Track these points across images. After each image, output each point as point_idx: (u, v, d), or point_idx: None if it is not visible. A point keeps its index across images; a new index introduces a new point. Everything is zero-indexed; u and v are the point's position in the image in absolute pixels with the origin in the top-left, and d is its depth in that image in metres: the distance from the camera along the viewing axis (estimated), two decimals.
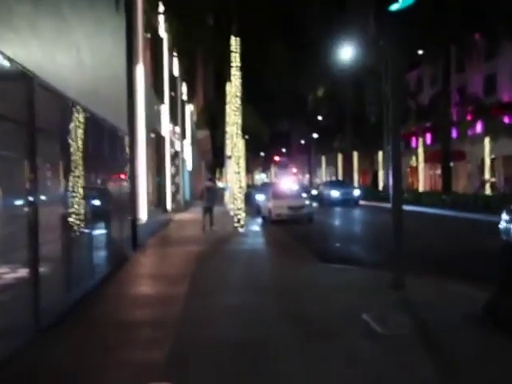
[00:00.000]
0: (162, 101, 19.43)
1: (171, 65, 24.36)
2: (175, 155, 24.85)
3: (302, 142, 67.00)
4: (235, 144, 16.74)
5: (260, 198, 23.54)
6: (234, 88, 16.74)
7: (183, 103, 29.56)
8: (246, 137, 48.91)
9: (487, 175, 34.07)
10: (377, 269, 8.70)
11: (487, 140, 33.56)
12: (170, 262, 10.32)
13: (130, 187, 11.22)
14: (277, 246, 12.42)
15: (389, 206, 7.80)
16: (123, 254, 9.83)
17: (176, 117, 25.24)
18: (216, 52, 25.41)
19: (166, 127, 19.82)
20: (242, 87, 18.43)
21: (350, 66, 31.42)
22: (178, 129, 25.35)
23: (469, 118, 38.26)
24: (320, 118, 47.34)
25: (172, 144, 23.09)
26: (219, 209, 20.06)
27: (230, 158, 23.76)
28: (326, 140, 58.37)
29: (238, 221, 16.29)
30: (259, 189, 27.36)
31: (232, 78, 16.68)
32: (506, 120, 33.26)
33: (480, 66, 35.38)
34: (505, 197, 20.10)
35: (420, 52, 31.00)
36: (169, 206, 19.99)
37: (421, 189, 37.99)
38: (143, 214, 13.52)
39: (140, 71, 13.83)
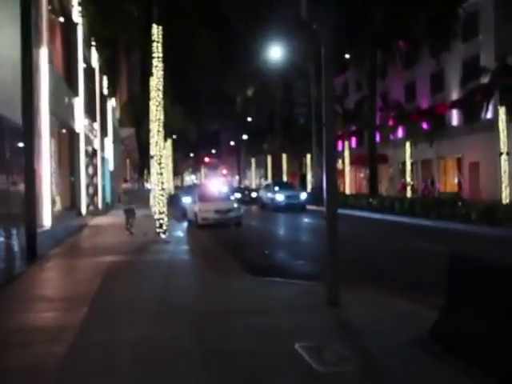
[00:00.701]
0: (75, 93, 17.45)
1: (88, 55, 22.26)
2: (93, 153, 22.76)
3: (232, 143, 66.12)
4: (157, 142, 15.25)
5: (186, 200, 22.12)
6: (155, 81, 15.25)
7: (104, 98, 27.36)
8: (174, 136, 47.23)
9: (408, 178, 35.08)
10: (311, 282, 7.76)
11: (408, 144, 34.56)
12: (73, 277, 8.73)
13: (26, 188, 9.47)
14: (201, 255, 11.15)
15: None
16: (10, 269, 8.10)
17: (94, 112, 23.15)
18: (140, 42, 23.74)
19: (81, 122, 17.85)
20: (166, 82, 17.00)
21: (279, 65, 30.83)
22: (96, 125, 23.25)
23: (391, 123, 39.42)
24: (249, 119, 46.61)
25: (89, 141, 21.03)
26: (143, 212, 18.46)
27: (153, 157, 22.10)
28: (255, 141, 57.90)
29: (161, 226, 14.83)
30: (186, 191, 25.84)
31: (154, 70, 15.18)
32: (425, 126, 34.45)
33: (401, 73, 36.41)
34: (436, 200, 20.28)
35: (347, 57, 31.18)
36: (84, 209, 18.03)
37: (347, 191, 38.37)
38: (46, 220, 11.69)
39: (44, 56, 11.97)
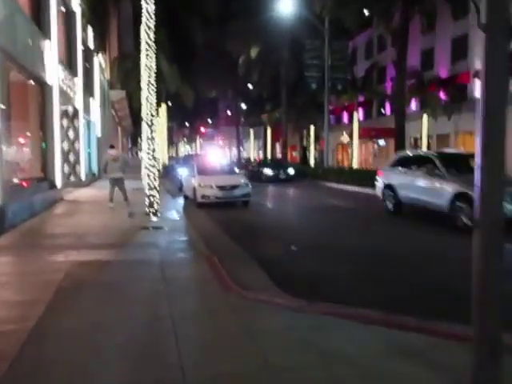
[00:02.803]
0: (46, 36, 13.67)
1: None
2: (74, 114, 19.03)
3: (229, 112, 62.05)
4: (148, 99, 11.65)
5: (183, 172, 18.68)
6: (144, 29, 11.55)
7: (89, 52, 23.42)
8: (169, 103, 43.14)
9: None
10: (391, 313, 4.48)
11: (425, 117, 31.10)
12: (3, 294, 5.32)
13: None
14: (205, 252, 7.78)
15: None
16: None
17: (75, 64, 19.32)
18: None
19: (54, 73, 14.13)
20: (161, 36, 13.39)
21: (288, 21, 26.82)
22: (78, 81, 19.46)
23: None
24: (250, 86, 42.58)
25: (68, 99, 17.33)
26: (132, 185, 15.02)
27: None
28: (255, 111, 53.92)
29: (151, 204, 11.45)
30: (182, 161, 22.30)
31: (143, 4, 11.46)
32: (443, 97, 30.94)
33: (417, 38, 32.58)
34: None
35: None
36: (59, 180, 14.51)
37: (355, 166, 35.03)
38: None
39: None
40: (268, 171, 27.39)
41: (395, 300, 5.60)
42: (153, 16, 11.52)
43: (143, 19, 11.57)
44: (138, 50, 22.02)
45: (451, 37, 30.71)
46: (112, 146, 13.96)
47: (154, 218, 11.11)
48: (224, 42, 32.49)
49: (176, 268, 6.54)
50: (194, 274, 6.26)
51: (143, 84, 14.51)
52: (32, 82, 13.10)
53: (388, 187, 13.17)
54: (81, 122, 19.55)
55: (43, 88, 13.65)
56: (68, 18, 18.99)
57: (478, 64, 28.99)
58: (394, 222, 12.10)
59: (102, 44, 23.72)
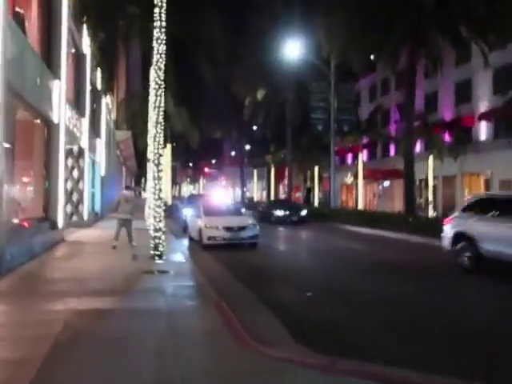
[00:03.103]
0: (55, 75, 13.60)
1: (79, 37, 18.55)
2: (80, 154, 18.85)
3: (233, 153, 62.39)
4: (155, 137, 11.35)
5: (187, 213, 18.23)
6: (155, 69, 11.43)
7: (96, 93, 23.56)
8: (173, 143, 43.31)
9: (430, 196, 31.41)
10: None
11: (431, 158, 30.94)
12: None
13: None
14: (214, 299, 7.21)
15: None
16: None
17: (83, 105, 19.30)
18: (141, 26, 20.11)
19: (62, 112, 13.97)
20: (168, 78, 13.36)
21: (294, 65, 27.14)
22: (85, 121, 19.38)
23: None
24: (255, 127, 42.91)
25: (74, 138, 17.16)
26: (136, 224, 14.51)
27: (150, 161, 18.24)
28: (259, 152, 54.17)
29: (156, 247, 10.93)
30: (186, 202, 21.89)
31: (155, 44, 11.38)
32: (447, 139, 30.95)
33: (421, 82, 32.94)
34: None
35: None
36: (61, 220, 14.05)
37: (360, 207, 34.61)
38: None
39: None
40: (279, 212, 25.60)
41: None
42: (163, 56, 11.44)
43: (153, 59, 11.46)
44: (146, 91, 22.19)
45: (455, 81, 31.01)
46: (128, 187, 14.04)
47: (159, 261, 10.58)
48: (230, 84, 32.87)
49: (184, 318, 5.96)
50: (204, 325, 5.68)
51: (151, 123, 14.36)
52: (39, 120, 12.91)
53: (461, 237, 10.48)
54: (86, 162, 19.33)
55: (49, 127, 13.44)
56: (78, 59, 19.16)
57: (482, 107, 29.15)
58: (479, 285, 9.35)
59: (109, 85, 23.85)
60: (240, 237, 13.59)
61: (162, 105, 11.42)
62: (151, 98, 11.97)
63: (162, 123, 11.46)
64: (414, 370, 4.39)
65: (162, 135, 11.41)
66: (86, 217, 19.18)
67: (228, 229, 13.55)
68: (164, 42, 11.40)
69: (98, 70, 23.10)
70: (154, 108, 11.39)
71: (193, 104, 29.80)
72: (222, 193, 29.78)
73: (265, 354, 4.61)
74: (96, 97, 24.08)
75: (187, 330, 5.43)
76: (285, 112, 33.11)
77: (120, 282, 8.07)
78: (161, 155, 11.38)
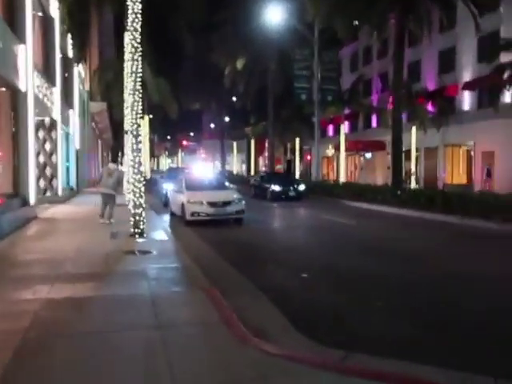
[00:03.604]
0: (20, 39, 12.39)
1: (46, 0, 17.10)
2: (52, 126, 17.66)
3: (212, 125, 61.02)
4: (134, 105, 10.40)
5: (168, 187, 17.43)
6: (130, 30, 10.37)
7: (68, 61, 22.11)
8: (151, 116, 41.80)
9: (412, 167, 31.17)
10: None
11: (414, 129, 30.56)
12: None
13: None
14: (203, 283, 6.57)
15: None
16: None
17: (53, 72, 18.01)
18: None
19: (29, 79, 12.82)
20: (145, 45, 12.30)
21: (278, 31, 25.99)
22: (56, 91, 18.12)
23: (391, 105, 35.37)
24: (235, 98, 41.71)
25: (45, 109, 15.98)
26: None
27: (127, 133, 17.19)
28: (238, 124, 53.07)
29: (136, 225, 10.19)
30: (166, 175, 20.99)
31: (129, 2, 10.32)
32: (430, 109, 30.53)
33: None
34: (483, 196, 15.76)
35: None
36: (33, 196, 13.10)
37: (342, 179, 34.23)
38: None
39: None
40: (276, 187, 22.69)
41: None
42: (139, 16, 10.40)
43: (129, 20, 10.40)
44: (121, 60, 20.88)
45: (438, 49, 30.38)
46: (113, 161, 13.44)
47: (140, 240, 9.86)
48: (210, 53, 31.50)
49: (172, 307, 5.31)
50: (195, 316, 5.04)
51: (127, 92, 13.37)
52: (3, 88, 11.79)
53: None
54: (59, 134, 18.16)
55: (16, 96, 12.33)
56: (45, 23, 17.75)
57: (466, 76, 28.69)
58: None
59: (81, 53, 22.38)
60: (225, 212, 12.93)
61: (140, 70, 10.45)
62: (127, 63, 11.01)
63: (140, 91, 10.52)
64: (425, 363, 3.90)
65: (140, 104, 10.48)
66: (60, 192, 18.15)
67: (212, 204, 12.86)
68: (139, 10, 10.35)
69: (69, 36, 21.60)
70: (131, 74, 10.41)
71: (170, 73, 28.51)
72: (203, 166, 28.40)
73: (268, 351, 4.01)
74: (67, 65, 22.63)
75: (176, 322, 4.79)
76: (266, 82, 32.05)
77: (98, 265, 7.34)
78: (139, 125, 10.50)
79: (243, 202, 13.43)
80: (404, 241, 11.40)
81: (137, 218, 10.19)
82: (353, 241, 11.22)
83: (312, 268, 8.11)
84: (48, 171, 17.68)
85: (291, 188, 22.91)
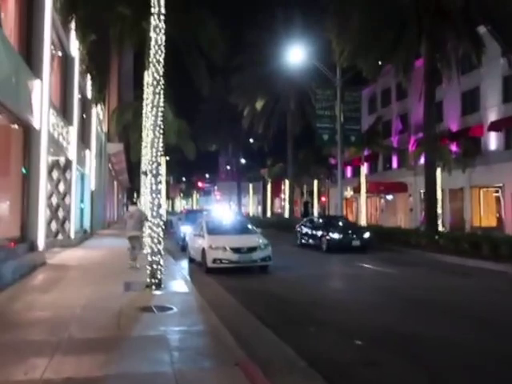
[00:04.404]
0: (36, 74, 11.70)
1: (66, 37, 16.70)
2: (66, 166, 16.87)
3: (228, 167, 60.53)
4: (153, 144, 9.41)
5: (186, 230, 16.25)
6: (152, 62, 9.56)
7: (86, 101, 21.68)
8: (167, 157, 41.34)
9: (439, 209, 29.65)
10: None
11: (438, 170, 29.29)
12: None
13: None
14: (234, 357, 5.24)
15: None
16: None
17: (70, 112, 17.39)
18: (136, 34, 18.27)
19: (44, 117, 12.03)
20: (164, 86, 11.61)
21: (298, 72, 25.46)
22: (73, 130, 17.43)
23: (412, 147, 34.38)
24: (251, 140, 41.20)
25: (59, 148, 15.18)
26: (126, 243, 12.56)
27: (145, 174, 16.24)
28: (254, 166, 52.46)
29: (153, 274, 8.95)
30: (185, 217, 19.88)
31: (152, 34, 9.56)
32: (454, 149, 29.40)
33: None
34: None
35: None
36: (42, 240, 12.00)
37: (363, 222, 32.77)
38: None
39: None
40: (335, 235, 17.91)
41: None
42: (162, 48, 9.60)
43: (151, 51, 9.60)
44: (139, 101, 20.34)
45: (461, 89, 29.55)
46: (133, 203, 13.32)
47: (158, 292, 8.58)
48: (228, 95, 31.12)
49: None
50: None
51: (146, 129, 12.50)
52: (16, 125, 10.96)
53: None
54: (73, 175, 17.33)
55: (28, 132, 11.48)
56: (65, 62, 17.35)
57: (491, 116, 27.65)
58: None
59: (100, 94, 21.93)
60: (251, 259, 11.62)
61: (162, 104, 9.53)
62: (148, 98, 10.05)
63: (161, 126, 9.56)
64: None
65: (160, 140, 9.50)
66: (73, 235, 17.12)
67: (236, 250, 11.58)
68: (163, 31, 9.58)
69: (88, 77, 21.23)
70: (152, 108, 9.48)
71: (188, 115, 28.02)
72: (224, 208, 27.07)
73: None
74: (86, 106, 22.22)
75: None
76: (284, 123, 31.37)
77: (108, 327, 6.06)
78: (159, 164, 9.46)
79: (270, 247, 12.13)
80: (466, 294, 9.89)
81: (154, 266, 8.97)
82: (400, 293, 9.77)
83: (365, 332, 6.71)
84: (60, 213, 16.75)
85: (354, 236, 18.19)
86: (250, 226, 13.62)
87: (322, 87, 23.32)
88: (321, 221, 20.93)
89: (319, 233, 18.74)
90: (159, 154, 9.48)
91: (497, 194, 28.10)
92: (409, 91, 35.29)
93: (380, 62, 19.29)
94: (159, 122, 9.47)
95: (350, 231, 18.68)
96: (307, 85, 26.27)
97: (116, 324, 6.21)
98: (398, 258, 16.19)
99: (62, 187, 16.76)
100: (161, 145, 9.49)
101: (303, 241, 20.26)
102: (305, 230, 20.48)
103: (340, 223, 20.25)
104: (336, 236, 17.92)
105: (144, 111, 17.08)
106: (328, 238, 17.90)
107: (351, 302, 9.14)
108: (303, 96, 27.59)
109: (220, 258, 11.52)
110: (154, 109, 9.43)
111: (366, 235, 18.41)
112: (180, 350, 5.15)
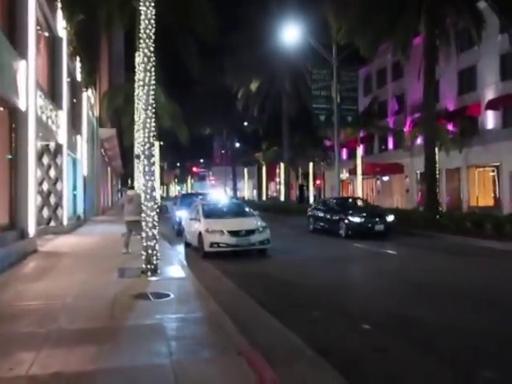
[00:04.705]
0: (20, 54, 11.11)
1: (53, 17, 16.01)
2: (57, 150, 16.33)
3: (222, 151, 59.94)
4: (145, 124, 8.94)
5: (182, 214, 15.87)
6: (143, 38, 9.01)
7: (76, 85, 21.02)
8: (161, 142, 40.68)
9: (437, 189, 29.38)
10: None
11: (436, 151, 28.93)
12: None
13: None
14: (236, 345, 4.90)
15: None
16: None
17: (59, 95, 16.78)
18: (126, 13, 17.56)
19: (31, 99, 11.49)
20: (157, 66, 11.04)
21: (293, 52, 24.83)
22: (62, 114, 16.85)
23: (408, 128, 33.99)
24: (246, 123, 40.59)
25: (48, 132, 14.65)
26: (123, 228, 12.20)
27: (138, 157, 15.72)
28: (249, 150, 51.93)
29: (148, 260, 8.58)
30: (180, 202, 19.46)
31: (142, 8, 9.01)
32: (451, 129, 29.04)
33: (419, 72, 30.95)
34: None
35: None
36: (32, 227, 11.57)
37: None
38: None
39: None
40: (355, 218, 15.79)
41: None
42: (153, 23, 9.06)
43: (141, 26, 9.07)
44: (131, 84, 19.70)
45: (458, 68, 29.07)
46: (131, 187, 13.17)
47: (154, 278, 8.22)
48: (222, 76, 30.41)
49: None
50: None
51: (138, 111, 11.99)
52: (1, 108, 10.44)
53: None
54: (64, 160, 16.79)
55: (14, 115, 10.96)
56: (52, 43, 16.66)
57: (488, 95, 27.24)
58: None
59: (90, 77, 21.23)
60: (249, 242, 11.26)
61: (153, 82, 9.05)
62: (139, 77, 9.51)
63: (154, 105, 9.09)
64: None
65: (153, 120, 9.04)
66: (65, 222, 16.67)
67: (234, 233, 11.21)
68: (153, 4, 9.03)
69: (77, 60, 20.53)
70: (143, 86, 8.99)
71: (182, 98, 27.42)
72: (220, 192, 26.45)
73: None
74: (76, 90, 21.55)
75: None
76: (279, 105, 30.78)
77: (102, 316, 5.70)
78: (152, 145, 9.01)
79: (268, 230, 11.77)
80: (472, 277, 9.63)
81: (149, 251, 8.59)
82: (403, 274, 9.48)
83: (373, 315, 6.39)
84: (52, 200, 16.25)
85: (377, 219, 15.77)
86: (247, 209, 13.24)
87: (318, 67, 22.71)
88: (336, 203, 18.29)
89: (335, 217, 16.55)
90: (152, 134, 9.03)
91: (493, 174, 27.87)
92: (405, 71, 34.84)
93: (378, 40, 18.72)
94: (151, 101, 8.99)
95: (371, 214, 16.34)
96: (303, 65, 25.65)
97: (110, 313, 5.85)
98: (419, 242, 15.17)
99: (52, 173, 16.24)
100: (153, 125, 9.03)
101: (317, 226, 17.82)
102: (318, 213, 18.08)
103: (357, 206, 18.37)
104: (357, 219, 15.69)
105: (136, 93, 16.52)
106: (347, 221, 15.72)
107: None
108: (299, 77, 26.98)
109: (217, 242, 11.16)
110: (146, 87, 8.95)
111: (390, 218, 16.11)
112: (178, 340, 4.81)
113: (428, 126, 19.64)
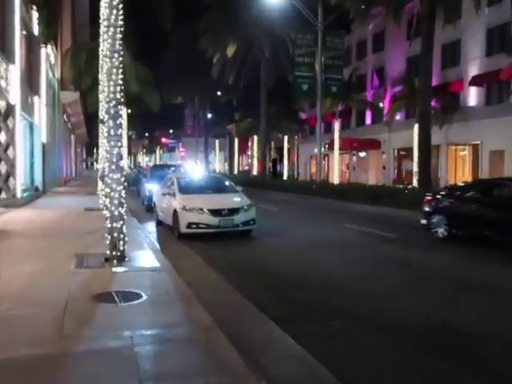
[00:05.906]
0: None
1: None
2: (8, 111, 14.04)
3: (194, 122, 57.40)
4: (112, 77, 7.06)
5: (153, 188, 14.03)
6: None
7: (32, 38, 18.39)
8: (129, 110, 37.94)
9: (415, 166, 28.51)
10: None
11: (416, 126, 27.88)
12: None
13: None
14: (236, 369, 3.34)
15: None
16: None
17: (10, 47, 14.36)
18: None
19: None
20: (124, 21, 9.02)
21: (273, 15, 22.78)
22: (14, 69, 14.47)
23: (387, 102, 32.76)
24: (219, 93, 38.35)
25: None
26: (87, 201, 10.32)
27: (103, 122, 13.65)
28: (221, 122, 49.73)
29: (114, 244, 6.86)
30: (151, 174, 17.54)
31: None
32: (432, 104, 27.99)
33: (402, 45, 29.55)
34: None
35: None
36: None
37: (335, 180, 31.33)
38: None
39: None
40: None
41: None
42: None
43: None
44: (96, 41, 17.32)
45: (441, 42, 27.75)
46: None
47: (120, 269, 6.53)
48: (196, 41, 27.99)
49: None
50: None
51: (105, 54, 9.95)
52: None
53: None
54: (18, 123, 14.54)
55: None
56: None
57: (472, 71, 26.18)
58: None
59: (49, 29, 18.58)
60: (233, 223, 9.61)
61: (120, 23, 7.12)
62: (103, 12, 7.43)
63: (121, 52, 7.18)
64: None
65: (120, 71, 7.15)
66: (19, 193, 14.55)
67: (216, 212, 9.53)
68: None
69: (35, 9, 17.84)
70: (108, 28, 7.06)
71: (152, 63, 24.96)
72: (193, 164, 24.53)
73: None
74: (33, 45, 18.91)
75: None
76: (256, 75, 28.75)
77: (46, 336, 4.00)
78: (120, 102, 7.16)
79: (254, 208, 10.15)
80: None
81: (115, 234, 6.87)
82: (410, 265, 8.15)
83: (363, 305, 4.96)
84: (3, 168, 14.09)
85: None
86: (228, 183, 11.54)
87: (302, 32, 20.82)
88: (484, 189, 10.04)
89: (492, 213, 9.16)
90: (119, 89, 7.16)
91: (464, 153, 27.25)
92: (386, 43, 33.39)
93: (371, 2, 17.01)
94: (117, 47, 7.10)
95: None
96: (284, 31, 23.71)
97: (57, 330, 4.14)
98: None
99: (3, 137, 14.03)
100: (120, 77, 7.14)
101: (453, 222, 9.86)
102: (454, 205, 10.13)
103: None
104: None
105: (101, 48, 14.35)
106: None
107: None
108: (279, 44, 25.03)
109: (196, 222, 9.47)
110: (112, 28, 7.04)
111: None
112: (157, 382, 3.19)
113: (424, 96, 18.22)
